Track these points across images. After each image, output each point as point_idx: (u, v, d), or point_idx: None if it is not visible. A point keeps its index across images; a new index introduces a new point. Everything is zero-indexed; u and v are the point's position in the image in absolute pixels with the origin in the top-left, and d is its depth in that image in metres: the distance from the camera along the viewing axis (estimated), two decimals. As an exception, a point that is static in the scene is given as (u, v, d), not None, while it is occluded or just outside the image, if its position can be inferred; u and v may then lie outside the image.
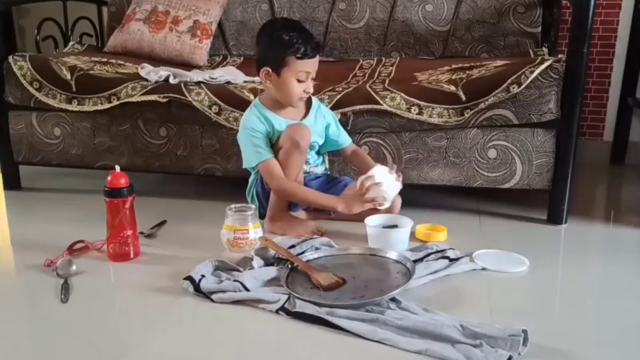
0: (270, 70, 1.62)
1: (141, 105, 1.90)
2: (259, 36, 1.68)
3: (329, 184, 1.79)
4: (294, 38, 1.58)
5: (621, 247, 1.62)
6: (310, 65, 1.62)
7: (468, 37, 2.35)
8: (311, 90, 1.65)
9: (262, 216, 1.73)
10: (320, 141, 1.77)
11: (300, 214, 1.77)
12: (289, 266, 1.39)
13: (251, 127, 1.67)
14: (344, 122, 1.80)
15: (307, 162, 1.76)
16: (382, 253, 1.46)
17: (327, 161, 1.86)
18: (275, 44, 1.60)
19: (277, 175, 1.64)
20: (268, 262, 1.43)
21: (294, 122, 1.68)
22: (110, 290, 1.37)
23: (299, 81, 1.62)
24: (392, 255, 1.44)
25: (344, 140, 1.79)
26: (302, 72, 1.61)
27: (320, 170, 1.82)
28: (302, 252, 1.48)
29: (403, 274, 1.34)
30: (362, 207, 1.60)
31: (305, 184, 1.73)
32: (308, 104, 1.75)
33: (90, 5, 2.71)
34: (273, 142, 1.68)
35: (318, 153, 1.81)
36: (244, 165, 1.74)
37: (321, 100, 1.81)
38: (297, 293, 1.25)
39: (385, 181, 1.57)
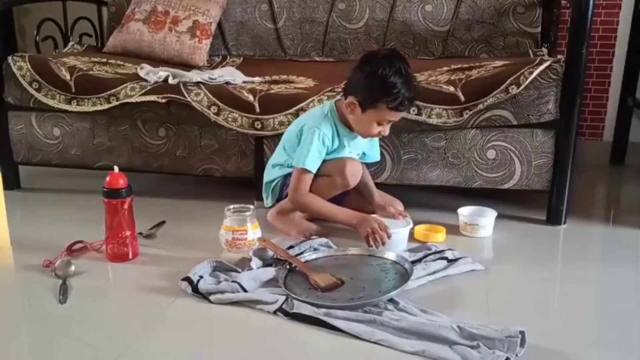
0: (357, 103, 1.55)
1: (140, 105, 1.90)
2: (362, 64, 1.56)
3: None
4: (396, 87, 1.49)
5: (620, 248, 1.62)
6: (398, 116, 1.58)
7: (468, 37, 2.35)
8: (386, 133, 1.61)
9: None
10: (365, 153, 1.77)
11: (302, 214, 1.77)
12: (287, 267, 1.39)
13: (324, 137, 1.61)
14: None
15: None
16: (380, 254, 1.46)
17: None
18: (374, 83, 1.51)
19: (303, 190, 1.62)
20: (266, 263, 1.43)
21: (356, 138, 1.67)
22: (109, 291, 1.37)
23: (379, 124, 1.58)
24: (391, 256, 1.44)
25: (373, 155, 1.77)
26: (387, 120, 1.58)
27: None
28: (301, 253, 1.48)
29: (401, 275, 1.34)
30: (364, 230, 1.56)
31: None
32: None
33: (90, 6, 2.71)
34: (328, 152, 1.65)
35: None
36: (292, 160, 1.65)
37: (320, 101, 1.80)
38: (295, 294, 1.25)
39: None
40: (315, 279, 1.31)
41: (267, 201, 1.77)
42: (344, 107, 1.61)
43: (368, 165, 1.79)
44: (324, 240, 1.56)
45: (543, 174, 1.75)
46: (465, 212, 1.70)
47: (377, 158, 1.79)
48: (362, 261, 1.44)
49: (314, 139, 1.60)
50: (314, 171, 1.62)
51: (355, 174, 1.63)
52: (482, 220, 1.67)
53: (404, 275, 1.33)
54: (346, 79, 1.63)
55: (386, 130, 1.60)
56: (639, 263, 1.50)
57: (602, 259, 1.59)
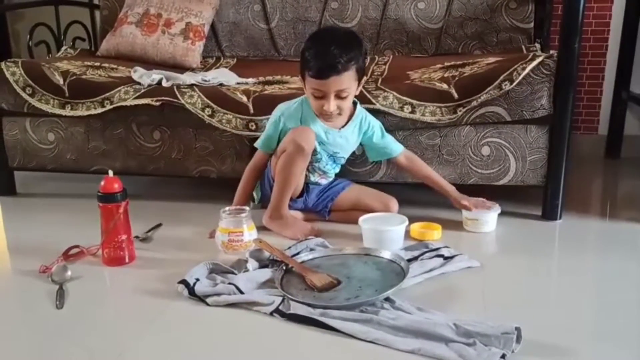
0: (301, 79, 1.64)
1: (134, 109, 1.89)
2: None
3: (328, 186, 1.80)
4: (310, 54, 1.55)
5: (616, 242, 1.62)
6: (321, 85, 1.55)
7: (461, 34, 2.35)
8: (331, 109, 1.58)
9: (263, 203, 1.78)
10: (347, 155, 1.75)
11: (296, 214, 1.77)
12: (284, 268, 1.39)
13: (283, 119, 1.67)
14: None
15: (322, 173, 1.76)
16: (376, 253, 1.46)
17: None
18: (301, 56, 1.61)
19: (250, 164, 1.75)
20: (263, 264, 1.43)
21: (330, 129, 1.68)
22: (106, 295, 1.37)
23: (317, 98, 1.59)
24: (387, 254, 1.44)
25: (394, 149, 1.76)
26: (315, 89, 1.57)
27: (326, 181, 1.81)
28: (297, 253, 1.48)
29: (397, 274, 1.34)
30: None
31: (308, 191, 1.76)
32: (351, 114, 1.71)
33: (83, 10, 2.71)
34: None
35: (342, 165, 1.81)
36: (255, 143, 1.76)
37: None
38: (291, 295, 1.25)
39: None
40: (311, 279, 1.32)
41: (256, 196, 1.81)
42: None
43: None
44: (320, 240, 1.57)
45: (538, 170, 1.75)
46: None
47: (400, 149, 1.75)
48: (358, 260, 1.44)
49: (275, 120, 1.68)
50: (263, 149, 1.72)
51: (303, 136, 1.60)
52: (485, 215, 1.67)
53: (400, 274, 1.33)
54: None
55: (329, 105, 1.57)
56: (635, 257, 1.50)
57: (599, 254, 1.59)
